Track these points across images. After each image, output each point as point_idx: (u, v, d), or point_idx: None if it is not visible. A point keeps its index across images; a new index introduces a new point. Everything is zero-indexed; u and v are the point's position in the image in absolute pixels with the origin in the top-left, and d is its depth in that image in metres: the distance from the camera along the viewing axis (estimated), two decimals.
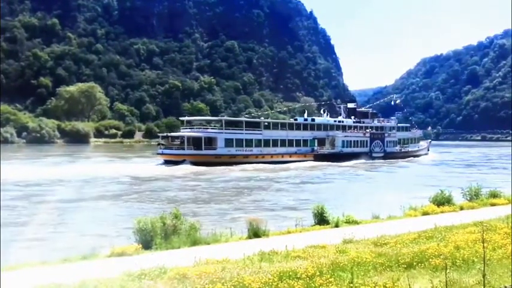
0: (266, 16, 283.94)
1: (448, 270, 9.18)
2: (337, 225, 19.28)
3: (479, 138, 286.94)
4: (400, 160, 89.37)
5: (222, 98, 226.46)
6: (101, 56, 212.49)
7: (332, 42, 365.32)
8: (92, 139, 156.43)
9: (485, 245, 10.36)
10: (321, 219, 20.28)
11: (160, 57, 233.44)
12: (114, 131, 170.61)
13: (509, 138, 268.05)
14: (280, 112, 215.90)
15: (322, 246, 14.16)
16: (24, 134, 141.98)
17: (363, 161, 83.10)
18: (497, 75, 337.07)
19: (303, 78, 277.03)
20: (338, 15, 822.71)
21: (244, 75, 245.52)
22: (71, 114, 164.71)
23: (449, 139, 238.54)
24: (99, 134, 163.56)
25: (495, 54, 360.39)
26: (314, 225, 20.15)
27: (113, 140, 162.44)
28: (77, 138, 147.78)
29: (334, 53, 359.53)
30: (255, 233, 17.15)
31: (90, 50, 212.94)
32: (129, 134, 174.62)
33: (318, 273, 9.91)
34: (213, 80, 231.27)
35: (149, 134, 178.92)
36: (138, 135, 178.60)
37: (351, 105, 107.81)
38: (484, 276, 8.18)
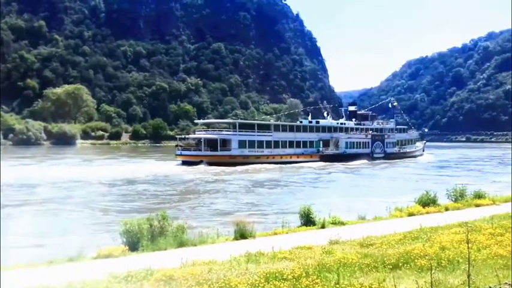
0: (252, 18, 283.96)
1: (433, 271, 9.27)
2: (323, 226, 19.35)
3: (463, 139, 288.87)
4: (399, 160, 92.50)
5: (209, 100, 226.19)
6: (88, 58, 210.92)
7: (318, 44, 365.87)
8: (79, 141, 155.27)
9: (470, 245, 10.46)
10: (308, 220, 20.34)
11: (147, 59, 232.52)
12: (100, 132, 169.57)
13: (493, 139, 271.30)
14: (266, 113, 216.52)
15: (308, 247, 14.21)
16: (11, 135, 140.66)
17: (365, 161, 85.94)
18: (482, 77, 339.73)
19: (289, 80, 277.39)
20: (324, 17, 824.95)
21: (231, 77, 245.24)
22: (58, 116, 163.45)
23: (434, 140, 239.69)
24: (85, 135, 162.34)
25: (479, 56, 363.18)
26: (300, 226, 20.20)
27: (99, 142, 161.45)
28: (64, 140, 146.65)
29: (320, 55, 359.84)
30: (242, 234, 17.18)
31: (77, 52, 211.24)
32: (116, 136, 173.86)
33: (304, 274, 9.93)
34: (199, 81, 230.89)
35: (136, 136, 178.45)
36: (125, 137, 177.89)
37: (351, 107, 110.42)
38: (468, 276, 8.25)
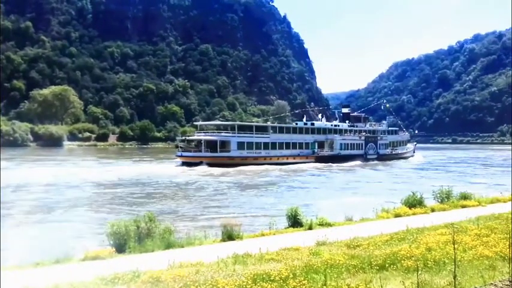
0: (240, 20, 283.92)
1: (419, 272, 9.33)
2: (310, 228, 19.38)
3: (449, 141, 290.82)
4: (391, 161, 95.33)
5: (197, 101, 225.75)
6: (75, 59, 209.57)
7: (305, 46, 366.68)
8: (66, 142, 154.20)
9: (456, 246, 10.54)
10: (295, 221, 20.36)
11: (135, 61, 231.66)
12: (88, 134, 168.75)
13: (479, 140, 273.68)
14: (254, 115, 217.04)
15: (295, 249, 14.23)
16: None
17: (359, 162, 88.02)
18: (467, 79, 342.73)
19: (276, 81, 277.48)
20: (311, 19, 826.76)
21: (219, 79, 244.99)
22: (45, 118, 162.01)
23: (420, 142, 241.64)
24: (72, 137, 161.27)
25: (465, 58, 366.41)
26: (288, 227, 20.22)
27: (86, 143, 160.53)
28: (50, 142, 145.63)
29: (308, 57, 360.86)
30: (229, 235, 17.17)
31: (64, 53, 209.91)
32: (103, 137, 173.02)
33: (291, 276, 9.95)
34: (187, 83, 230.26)
35: (123, 137, 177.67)
36: (112, 138, 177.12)
37: (345, 109, 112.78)
38: (454, 277, 8.32)
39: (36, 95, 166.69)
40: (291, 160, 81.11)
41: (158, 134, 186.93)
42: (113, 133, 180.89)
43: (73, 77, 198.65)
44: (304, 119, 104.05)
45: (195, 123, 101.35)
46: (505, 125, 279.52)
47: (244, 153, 75.88)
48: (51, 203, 34.96)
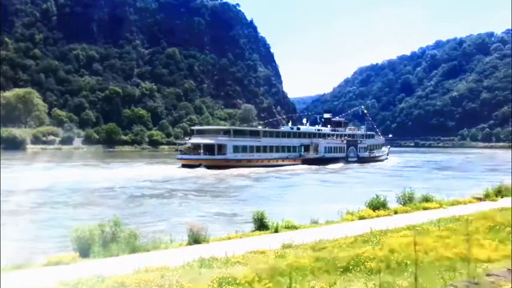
0: (207, 24, 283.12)
1: (382, 273, 9.46)
2: (276, 231, 19.48)
3: (412, 144, 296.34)
4: (369, 164, 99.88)
5: (163, 105, 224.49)
6: (39, 61, 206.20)
7: (272, 50, 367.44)
8: (29, 146, 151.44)
9: (417, 248, 10.71)
10: (261, 224, 20.42)
11: (101, 63, 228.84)
12: (52, 137, 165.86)
13: (440, 144, 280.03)
14: (221, 118, 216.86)
15: (261, 252, 14.29)
16: None
17: (341, 164, 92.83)
18: (429, 84, 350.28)
19: (243, 85, 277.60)
20: (278, 24, 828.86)
21: (186, 82, 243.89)
22: (8, 121, 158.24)
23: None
24: (36, 140, 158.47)
25: (427, 64, 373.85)
26: (254, 230, 20.27)
27: (51, 147, 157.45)
28: (13, 145, 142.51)
29: (274, 61, 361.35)
30: (195, 239, 17.12)
31: (28, 55, 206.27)
32: (68, 141, 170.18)
33: (257, 279, 9.98)
34: (154, 86, 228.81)
35: (88, 140, 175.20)
36: (77, 142, 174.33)
37: (326, 115, 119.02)
38: (416, 278, 8.48)
39: None
40: (280, 162, 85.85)
41: (124, 137, 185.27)
42: (78, 136, 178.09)
43: (37, 80, 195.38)
44: (290, 124, 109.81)
45: (191, 127, 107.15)
46: (465, 129, 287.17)
47: (239, 156, 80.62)
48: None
